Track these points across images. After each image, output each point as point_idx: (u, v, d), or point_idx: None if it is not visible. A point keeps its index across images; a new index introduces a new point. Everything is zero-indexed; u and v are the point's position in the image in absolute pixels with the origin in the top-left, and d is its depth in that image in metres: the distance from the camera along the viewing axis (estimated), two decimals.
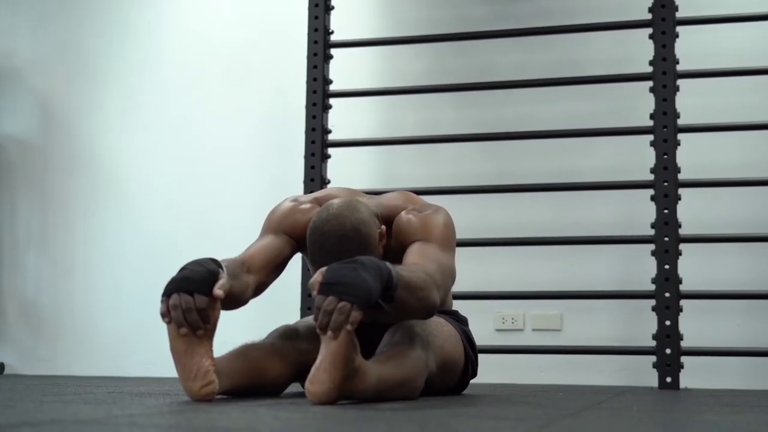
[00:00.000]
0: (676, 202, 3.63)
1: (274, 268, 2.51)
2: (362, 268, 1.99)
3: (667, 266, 3.59)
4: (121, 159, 4.73)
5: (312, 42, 4.08)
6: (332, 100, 4.10)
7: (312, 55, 4.08)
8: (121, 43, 4.82)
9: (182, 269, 2.17)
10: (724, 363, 3.78)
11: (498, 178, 4.12)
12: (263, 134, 4.55)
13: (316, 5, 4.11)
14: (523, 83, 4.05)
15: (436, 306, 2.26)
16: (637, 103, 3.89)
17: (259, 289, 2.47)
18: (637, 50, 3.91)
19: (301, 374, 2.41)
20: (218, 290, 2.12)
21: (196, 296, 2.10)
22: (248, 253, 2.48)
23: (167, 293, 2.12)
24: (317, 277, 2.02)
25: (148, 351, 4.32)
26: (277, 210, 2.61)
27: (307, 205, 2.57)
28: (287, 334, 2.49)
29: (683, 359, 3.55)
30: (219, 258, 2.28)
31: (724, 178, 3.81)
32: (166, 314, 2.11)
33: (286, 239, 2.54)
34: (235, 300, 2.32)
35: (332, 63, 4.13)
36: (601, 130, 3.93)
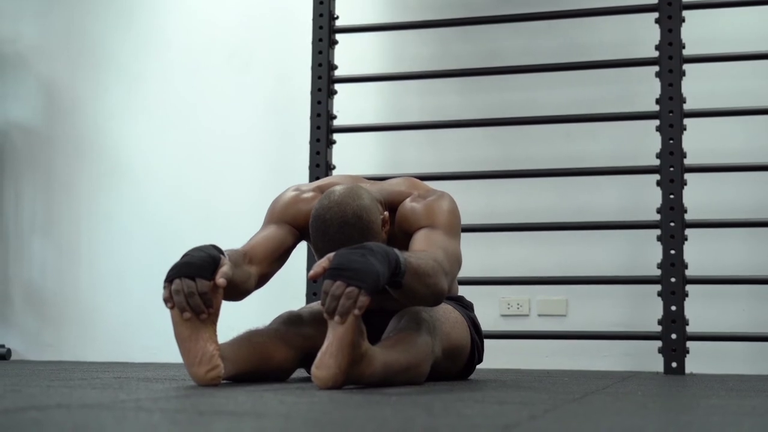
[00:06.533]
0: (682, 187, 3.63)
1: (277, 258, 2.51)
2: (370, 254, 1.99)
3: (672, 251, 3.58)
4: (126, 145, 4.73)
5: (317, 27, 4.07)
6: (337, 86, 4.09)
7: (317, 40, 4.07)
8: (126, 28, 4.81)
9: (184, 255, 2.17)
10: (730, 348, 3.78)
11: (504, 163, 4.12)
12: (268, 120, 4.54)
13: None
14: (529, 68, 4.04)
15: (444, 293, 2.26)
16: (643, 88, 3.88)
17: (262, 280, 2.47)
18: (643, 35, 3.90)
19: (305, 360, 2.42)
20: (220, 279, 2.12)
21: (198, 280, 2.10)
22: (250, 245, 2.48)
23: (169, 279, 2.12)
24: (324, 262, 2.02)
25: (152, 336, 4.33)
26: (279, 200, 2.61)
27: (310, 194, 2.57)
28: (291, 319, 2.49)
29: (689, 344, 3.55)
30: (222, 248, 2.27)
31: (730, 163, 3.80)
32: (168, 299, 2.11)
33: (288, 229, 2.53)
34: (237, 289, 2.32)
35: (337, 48, 4.12)
36: (607, 115, 3.93)
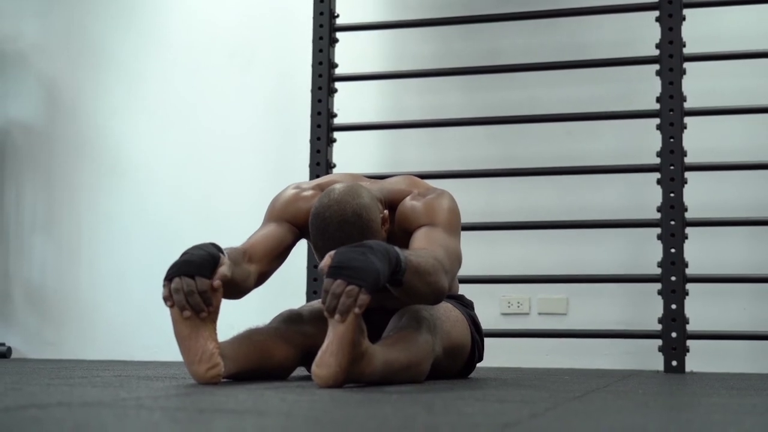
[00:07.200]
0: (683, 186, 3.63)
1: (277, 256, 2.50)
2: (371, 252, 1.99)
3: (673, 250, 3.58)
4: (126, 143, 4.73)
5: (317, 25, 4.07)
6: (338, 84, 4.09)
7: (317, 38, 4.07)
8: (127, 27, 4.81)
9: (183, 254, 2.17)
10: (730, 346, 3.78)
11: (504, 161, 4.12)
12: (269, 118, 4.54)
13: None
14: (529, 67, 4.04)
15: (445, 291, 2.26)
16: (644, 87, 3.88)
17: (262, 278, 2.47)
18: (643, 33, 3.90)
19: (306, 358, 2.42)
20: (216, 281, 2.12)
21: (197, 279, 2.10)
22: (250, 243, 2.48)
23: (169, 277, 2.12)
24: (326, 260, 2.02)
25: (153, 335, 4.33)
26: (279, 198, 2.60)
27: (310, 192, 2.56)
28: (291, 318, 2.49)
29: (689, 343, 3.55)
30: (221, 246, 2.27)
31: (731, 162, 3.80)
32: (168, 298, 2.11)
33: (288, 227, 2.53)
34: (236, 287, 2.32)
35: (338, 47, 4.12)
36: (607, 114, 3.93)
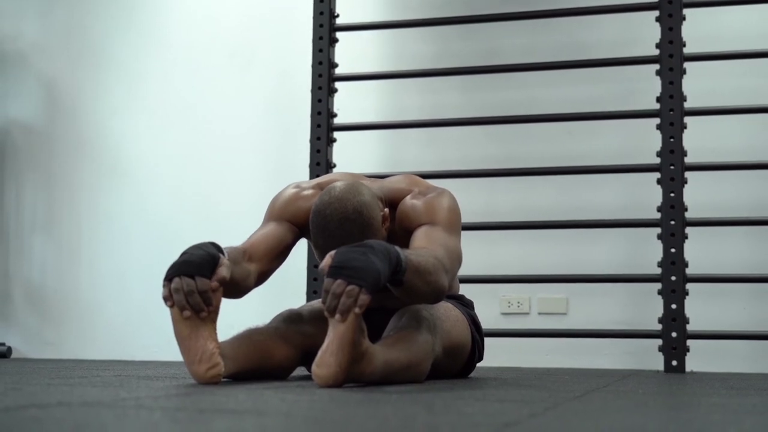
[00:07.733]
0: (683, 186, 3.63)
1: (277, 256, 2.50)
2: (371, 252, 1.99)
3: (673, 250, 3.58)
4: (127, 143, 4.73)
5: (317, 25, 4.07)
6: (338, 84, 4.09)
7: (317, 38, 4.07)
8: (127, 26, 4.81)
9: (183, 254, 2.17)
10: (730, 346, 3.78)
11: (504, 161, 4.12)
12: (269, 118, 4.54)
13: None
14: (529, 66, 4.04)
15: (445, 290, 2.26)
16: (644, 86, 3.88)
17: (262, 277, 2.47)
18: (643, 33, 3.90)
19: (306, 358, 2.42)
20: (214, 282, 2.12)
21: (197, 279, 2.10)
22: (250, 242, 2.48)
23: (168, 277, 2.12)
24: (327, 260, 2.02)
25: (153, 335, 4.33)
26: (279, 197, 2.60)
27: (310, 191, 2.56)
28: (291, 318, 2.49)
29: (689, 343, 3.55)
30: (221, 246, 2.27)
31: (731, 162, 3.80)
32: (168, 298, 2.11)
33: (288, 227, 2.53)
34: (236, 287, 2.32)
35: (338, 46, 4.12)
36: (607, 114, 3.93)
